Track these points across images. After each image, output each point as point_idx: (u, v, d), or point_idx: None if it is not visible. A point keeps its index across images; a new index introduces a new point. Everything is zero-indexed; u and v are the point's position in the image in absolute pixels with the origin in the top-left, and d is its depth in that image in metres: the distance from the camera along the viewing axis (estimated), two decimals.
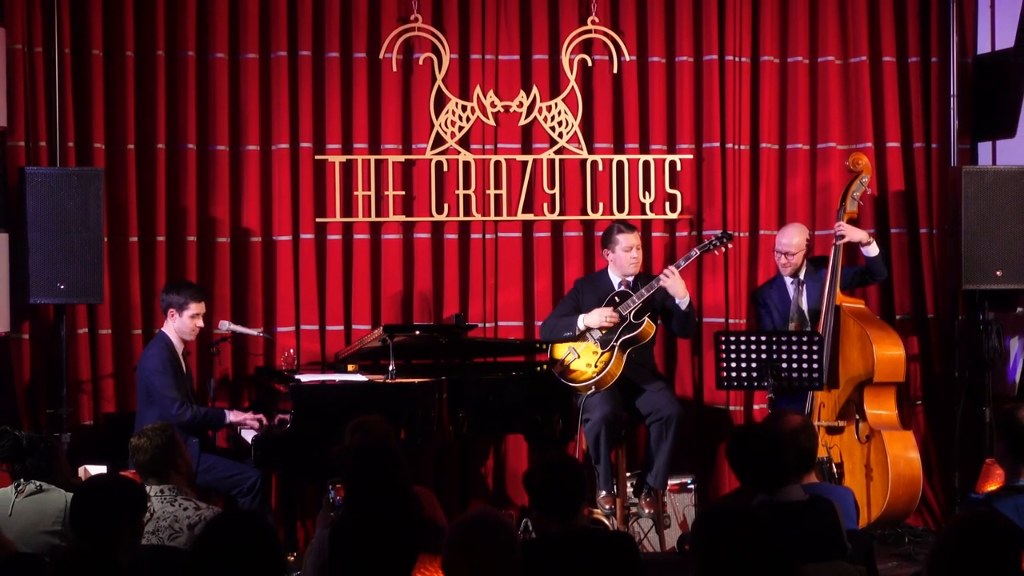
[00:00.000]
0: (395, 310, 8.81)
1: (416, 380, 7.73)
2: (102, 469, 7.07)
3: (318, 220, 8.75)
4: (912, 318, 9.09)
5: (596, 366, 8.10)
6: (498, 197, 8.86)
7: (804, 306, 8.42)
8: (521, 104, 8.87)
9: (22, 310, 8.18)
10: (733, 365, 7.63)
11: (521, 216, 8.90)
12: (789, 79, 9.08)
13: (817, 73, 9.09)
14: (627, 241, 8.28)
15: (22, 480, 5.78)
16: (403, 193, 8.81)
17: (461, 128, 8.84)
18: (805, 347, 7.55)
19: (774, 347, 7.57)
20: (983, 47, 9.09)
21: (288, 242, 8.73)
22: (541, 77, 8.91)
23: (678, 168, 8.97)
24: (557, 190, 8.89)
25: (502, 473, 8.91)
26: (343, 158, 8.74)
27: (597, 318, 8.14)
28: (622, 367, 8.08)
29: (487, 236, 8.91)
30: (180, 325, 7.84)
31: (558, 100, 8.88)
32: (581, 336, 8.19)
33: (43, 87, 8.30)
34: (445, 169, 8.84)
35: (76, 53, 8.43)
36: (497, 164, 8.87)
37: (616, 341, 8.08)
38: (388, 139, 8.82)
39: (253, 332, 8.50)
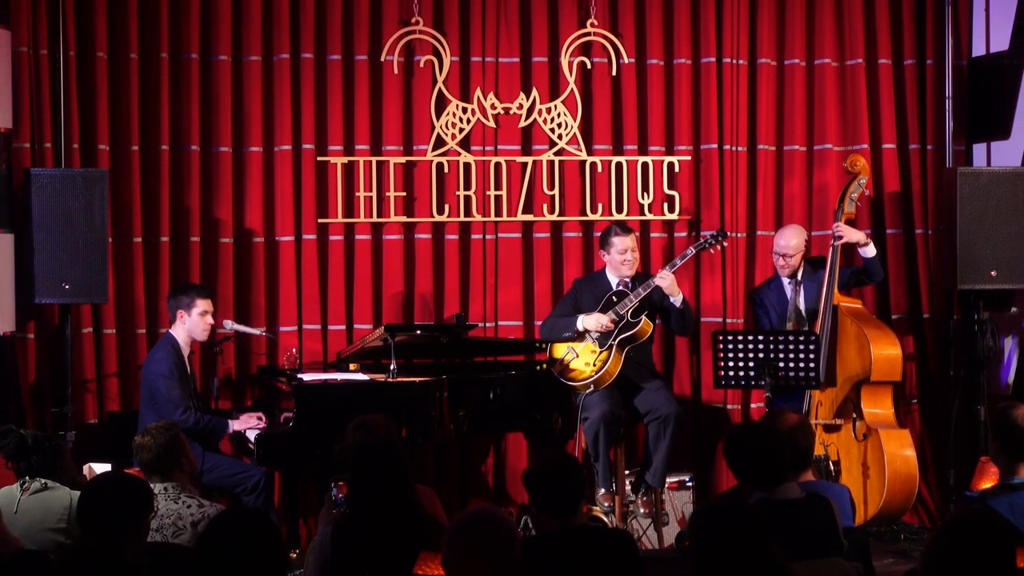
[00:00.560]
0: (396, 310, 8.81)
1: (417, 379, 7.74)
2: (106, 467, 6.99)
3: (320, 221, 8.74)
4: (908, 318, 9.10)
5: (595, 365, 8.11)
6: (498, 198, 8.88)
7: (802, 306, 8.42)
8: (521, 106, 8.88)
9: (27, 310, 8.15)
10: (731, 364, 7.65)
11: (521, 217, 8.91)
12: (786, 81, 9.10)
13: (814, 75, 9.11)
14: (622, 244, 8.30)
15: (27, 478, 5.79)
16: (404, 194, 8.82)
17: (462, 130, 8.85)
18: (802, 346, 7.57)
19: (771, 346, 7.59)
20: (978, 50, 9.09)
21: (290, 242, 8.72)
22: (541, 79, 8.92)
23: (676, 169, 8.99)
24: (557, 191, 8.91)
25: (502, 471, 8.92)
26: (345, 159, 8.74)
27: (594, 322, 8.15)
28: (620, 366, 8.10)
29: (487, 237, 8.92)
30: (192, 326, 7.85)
31: (558, 102, 8.91)
32: (580, 336, 8.20)
33: (48, 89, 8.25)
34: (446, 170, 8.84)
35: (81, 55, 8.39)
36: (497, 165, 8.89)
37: (614, 340, 8.09)
38: (389, 140, 8.82)
39: (256, 331, 8.50)
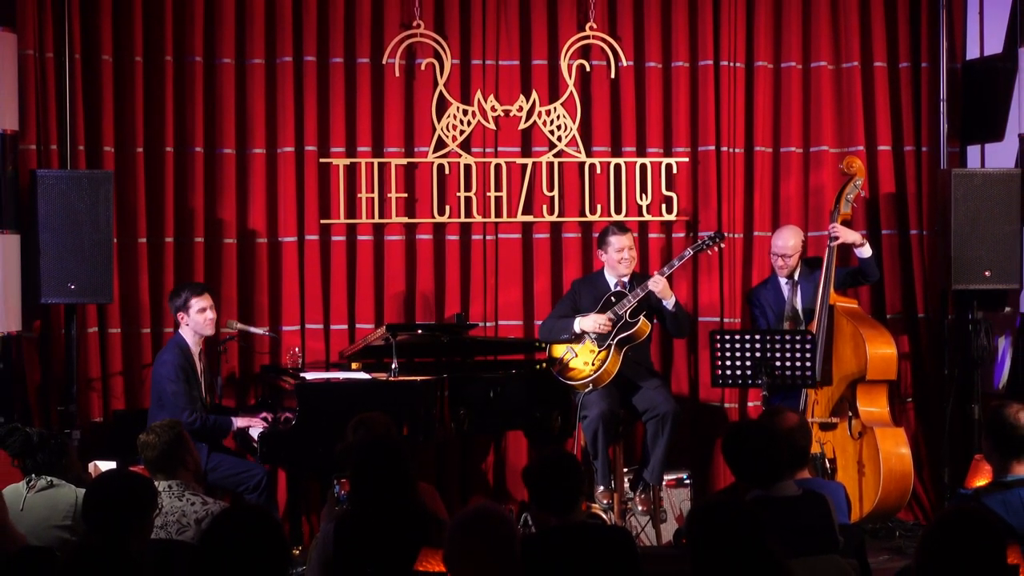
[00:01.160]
0: (398, 309, 8.83)
1: (418, 378, 7.76)
2: (111, 465, 7.03)
3: (323, 222, 8.76)
4: (903, 317, 9.12)
5: (593, 364, 8.13)
6: (498, 199, 8.90)
7: (799, 306, 8.43)
8: (521, 108, 8.90)
9: (33, 310, 8.17)
10: (728, 363, 7.70)
11: (521, 218, 8.94)
12: (783, 84, 9.12)
13: (810, 78, 9.13)
14: (619, 243, 8.32)
15: (33, 476, 5.81)
16: (406, 195, 8.83)
17: (462, 132, 8.87)
18: (798, 346, 7.61)
19: (768, 346, 7.63)
20: (972, 53, 9.13)
21: (293, 243, 8.74)
22: (540, 82, 8.93)
23: (674, 171, 9.01)
24: (556, 192, 8.93)
25: (502, 469, 8.93)
26: (347, 161, 8.76)
27: (592, 323, 8.16)
28: (619, 365, 8.11)
29: (487, 237, 8.93)
30: (194, 324, 7.85)
31: (557, 104, 8.93)
32: (578, 338, 8.22)
33: (54, 92, 8.26)
34: (447, 172, 8.86)
35: (86, 58, 8.40)
36: (497, 167, 8.91)
37: (613, 340, 8.10)
38: (391, 142, 8.83)
39: (259, 331, 8.52)
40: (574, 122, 8.96)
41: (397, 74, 8.80)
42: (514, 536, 4.19)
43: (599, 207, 8.98)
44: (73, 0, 8.34)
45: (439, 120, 8.87)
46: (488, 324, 8.93)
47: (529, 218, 8.96)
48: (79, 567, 4.22)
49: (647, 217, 9.03)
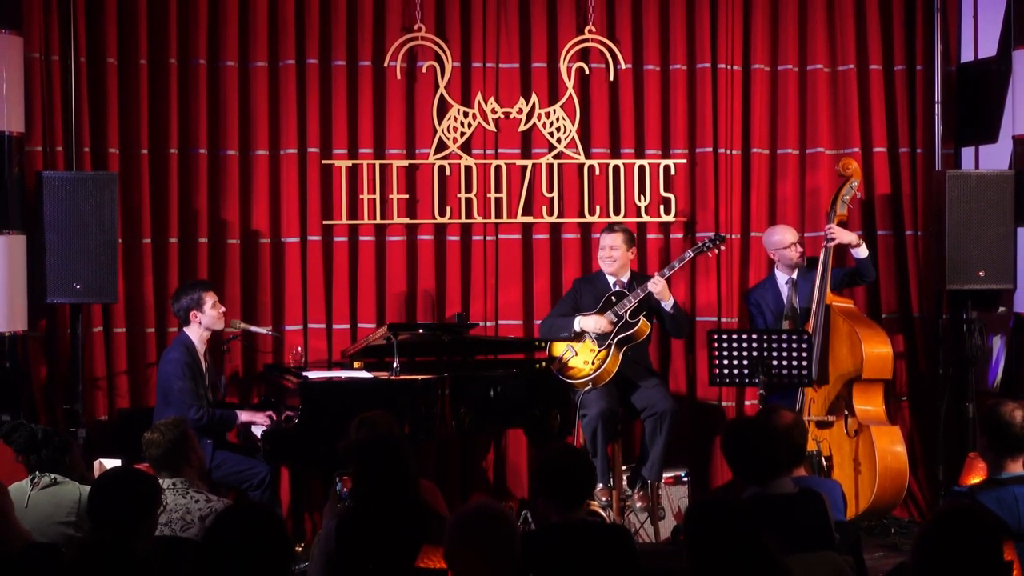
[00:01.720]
0: (399, 309, 8.85)
1: (419, 377, 7.78)
2: (116, 463, 7.03)
3: (325, 222, 8.79)
4: (898, 317, 9.13)
5: (593, 363, 8.15)
6: (498, 200, 8.94)
7: (797, 305, 8.46)
8: (521, 110, 8.94)
9: (39, 309, 8.18)
10: (725, 362, 7.71)
11: (521, 219, 8.97)
12: (779, 86, 9.14)
13: (806, 81, 9.16)
14: (603, 241, 8.40)
15: (37, 473, 5.83)
16: (407, 196, 8.86)
17: (463, 134, 8.90)
18: (795, 345, 7.62)
19: (765, 345, 7.64)
20: (966, 56, 9.14)
21: (296, 244, 8.76)
22: (540, 84, 8.96)
23: (672, 172, 9.04)
24: (555, 194, 8.97)
25: (502, 467, 8.97)
26: (349, 163, 8.79)
27: (592, 323, 8.19)
28: (618, 364, 8.13)
29: (488, 238, 8.97)
30: (208, 321, 7.87)
31: (556, 107, 8.97)
32: (577, 336, 8.26)
33: (60, 94, 8.28)
34: (447, 173, 8.89)
35: (92, 61, 8.42)
36: (498, 168, 8.95)
37: (612, 340, 8.12)
38: (393, 144, 8.86)
39: (262, 330, 8.54)
40: (573, 124, 9.00)
41: (398, 77, 8.83)
42: (514, 533, 4.20)
43: (598, 208, 9.02)
44: (79, 4, 8.37)
45: (440, 122, 8.90)
46: (488, 324, 8.96)
47: (529, 219, 9.00)
48: (85, 563, 4.31)
49: (645, 218, 9.07)
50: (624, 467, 8.39)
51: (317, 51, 8.79)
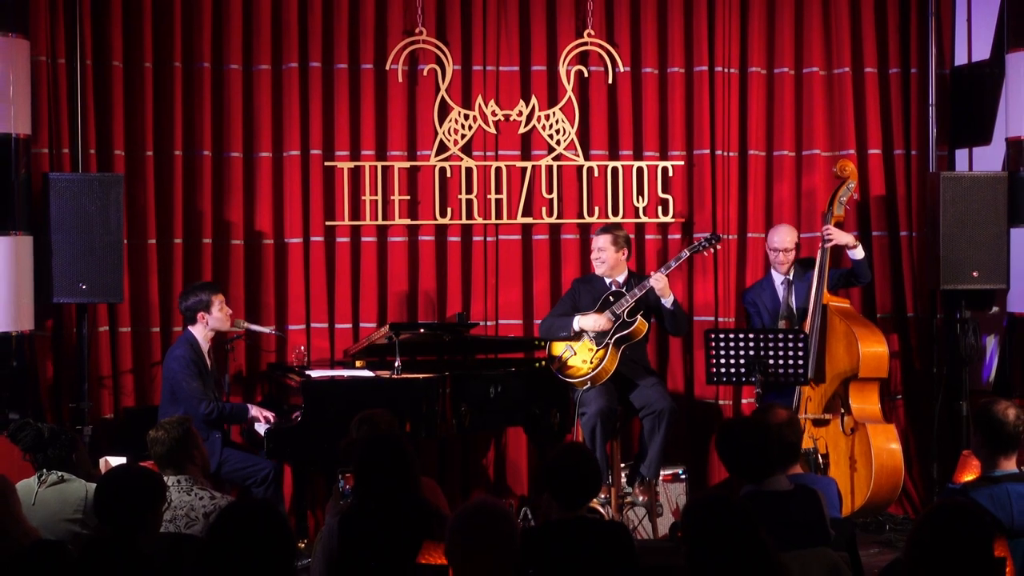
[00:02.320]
0: (401, 309, 8.90)
1: (421, 376, 7.82)
2: (122, 460, 6.97)
3: (327, 223, 8.85)
4: (893, 317, 9.17)
5: (592, 362, 8.17)
6: (499, 201, 8.99)
7: (793, 305, 8.49)
8: (521, 113, 8.99)
9: (46, 309, 8.23)
10: (722, 361, 7.71)
11: (520, 220, 9.02)
12: (776, 89, 9.19)
13: (802, 83, 9.21)
14: (593, 243, 8.45)
15: (44, 470, 5.87)
16: (408, 198, 8.91)
17: (464, 136, 8.95)
18: (791, 344, 7.62)
19: (761, 344, 7.65)
20: (960, 59, 9.18)
21: (299, 244, 8.81)
22: (540, 87, 9.01)
23: (670, 174, 9.09)
24: (555, 195, 9.02)
25: (502, 464, 9.01)
26: (351, 164, 8.84)
27: (591, 322, 8.20)
28: (616, 363, 8.14)
29: (488, 239, 9.02)
30: (216, 323, 7.92)
31: (556, 109, 9.02)
32: (576, 336, 8.28)
33: (66, 97, 8.34)
34: (448, 175, 8.94)
35: (97, 64, 8.48)
36: (498, 170, 9.00)
37: (611, 339, 8.14)
38: (394, 146, 8.91)
39: (266, 330, 8.56)
40: (572, 126, 9.05)
41: (400, 80, 8.88)
42: (514, 530, 4.21)
43: (597, 209, 9.07)
44: (84, 7, 8.42)
45: (441, 124, 8.95)
46: (489, 323, 9.00)
47: (528, 220, 9.05)
48: (91, 560, 4.39)
49: (644, 219, 9.11)
50: (623, 464, 8.41)
51: (320, 54, 8.83)
